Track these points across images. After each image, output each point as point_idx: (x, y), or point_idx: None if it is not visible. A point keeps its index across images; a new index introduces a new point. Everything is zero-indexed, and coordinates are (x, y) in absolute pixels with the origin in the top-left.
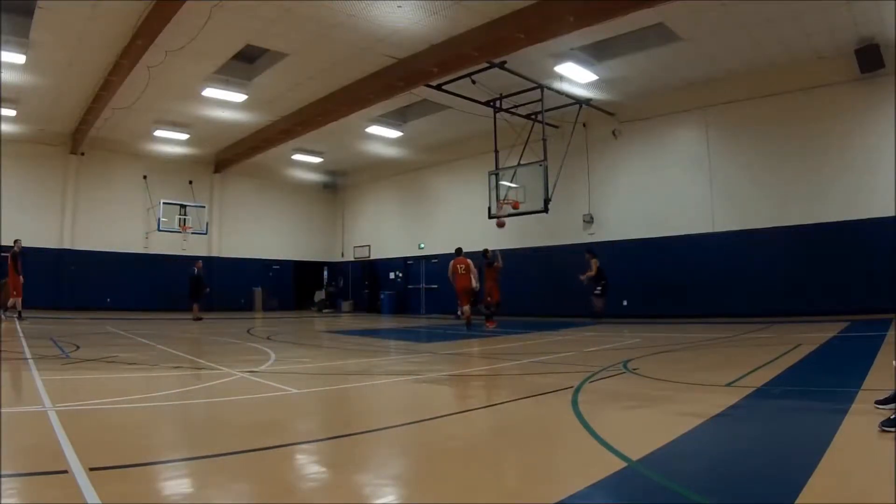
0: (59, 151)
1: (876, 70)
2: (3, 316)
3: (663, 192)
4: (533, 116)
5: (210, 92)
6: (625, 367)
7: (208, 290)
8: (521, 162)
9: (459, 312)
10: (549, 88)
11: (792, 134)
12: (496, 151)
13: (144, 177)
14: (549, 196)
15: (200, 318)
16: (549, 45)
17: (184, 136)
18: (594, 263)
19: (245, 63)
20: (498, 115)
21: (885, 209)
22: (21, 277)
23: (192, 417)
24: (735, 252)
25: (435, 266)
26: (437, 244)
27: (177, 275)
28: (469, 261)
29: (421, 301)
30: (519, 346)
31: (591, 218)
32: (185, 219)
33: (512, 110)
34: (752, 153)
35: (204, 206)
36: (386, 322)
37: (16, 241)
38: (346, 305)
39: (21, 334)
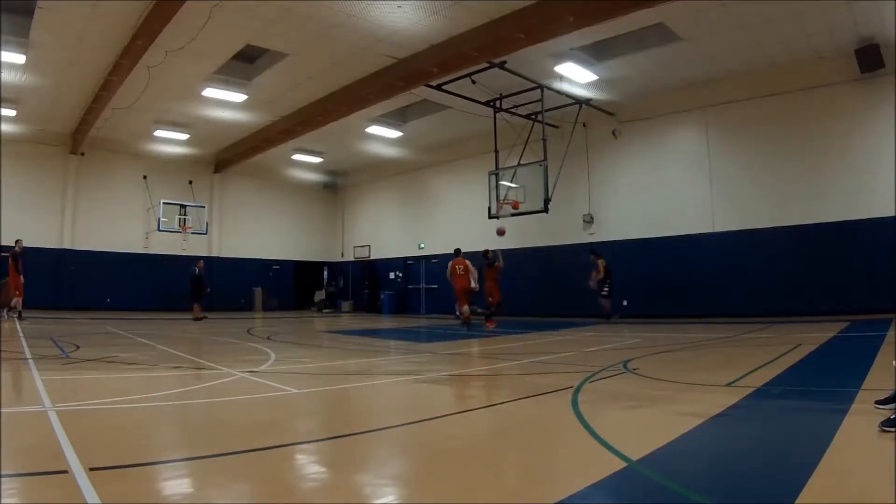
0: (59, 151)
1: (876, 70)
2: (5, 315)
3: (663, 192)
4: (533, 116)
5: (210, 92)
6: (625, 367)
7: (209, 290)
8: (521, 162)
9: (458, 313)
10: (549, 88)
11: (792, 134)
12: (496, 151)
13: (144, 177)
14: (549, 196)
15: (204, 318)
16: (549, 45)
17: (184, 136)
18: (601, 264)
19: (245, 63)
20: (498, 115)
21: (885, 209)
22: (22, 277)
23: (192, 417)
24: (735, 252)
25: (435, 266)
26: (437, 244)
27: (177, 275)
28: (467, 261)
29: (421, 301)
30: (519, 346)
31: (591, 218)
32: (185, 219)
33: (512, 110)
34: (752, 153)
35: (204, 206)
36: (386, 322)
37: (17, 242)
38: (346, 305)
39: (21, 334)
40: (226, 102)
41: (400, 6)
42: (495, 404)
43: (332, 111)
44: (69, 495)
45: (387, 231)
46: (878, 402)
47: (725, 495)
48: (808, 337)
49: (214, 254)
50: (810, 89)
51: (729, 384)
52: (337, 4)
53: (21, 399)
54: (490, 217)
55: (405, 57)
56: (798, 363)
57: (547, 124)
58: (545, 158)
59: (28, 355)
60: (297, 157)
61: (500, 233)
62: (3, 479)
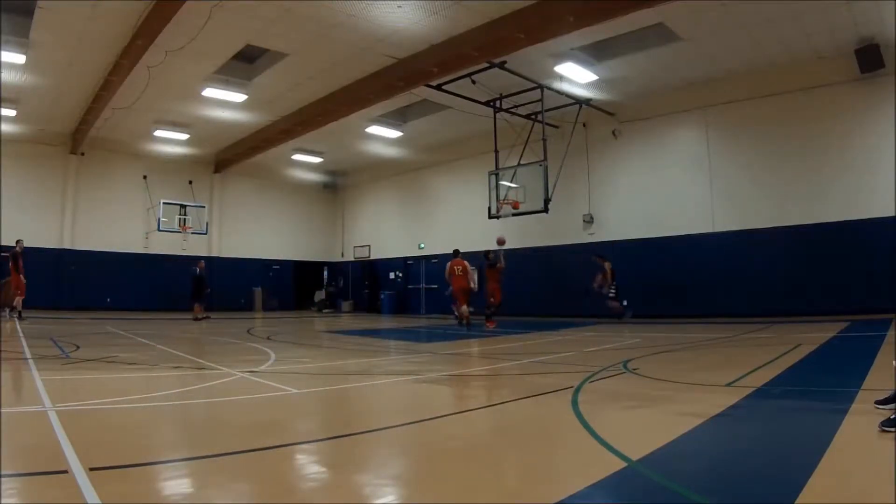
0: (59, 151)
1: (876, 70)
2: (6, 315)
3: (663, 192)
4: (533, 116)
5: (210, 92)
6: (625, 367)
7: (209, 290)
8: (521, 162)
9: (456, 313)
10: (549, 88)
11: (792, 134)
12: (496, 151)
13: (144, 177)
14: (549, 196)
15: (207, 318)
16: (549, 45)
17: (184, 136)
18: (608, 266)
19: (245, 63)
20: (498, 115)
21: (885, 209)
22: (22, 277)
23: (192, 417)
24: (735, 252)
25: (435, 266)
26: (436, 244)
27: (177, 275)
28: (466, 262)
29: (421, 301)
30: (519, 346)
31: (591, 218)
32: (185, 219)
33: (512, 110)
34: (752, 153)
35: (204, 206)
36: (386, 322)
37: (18, 242)
38: (346, 305)
39: (21, 334)
40: (226, 102)
41: (400, 6)
42: (495, 404)
43: (332, 111)
44: (69, 495)
45: (387, 231)
46: (878, 402)
47: (725, 495)
48: (808, 337)
49: (214, 254)
50: (810, 89)
51: (729, 384)
52: (337, 4)
53: (21, 399)
54: (490, 217)
55: (405, 57)
56: (798, 363)
57: (547, 124)
58: (545, 158)
59: (28, 355)
60: (297, 157)
61: (501, 242)
62: (3, 479)
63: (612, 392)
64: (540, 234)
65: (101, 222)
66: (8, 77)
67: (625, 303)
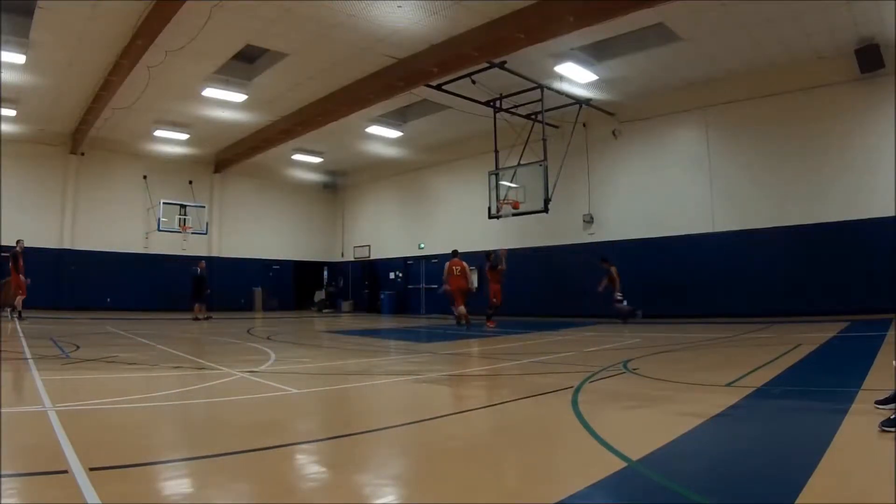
0: (59, 151)
1: (876, 70)
2: (7, 315)
3: (663, 192)
4: (533, 116)
5: (210, 92)
6: (625, 367)
7: (209, 290)
8: (521, 162)
9: (455, 313)
10: (549, 88)
11: (792, 134)
12: (496, 151)
13: (144, 177)
14: (549, 196)
15: (209, 318)
16: (549, 45)
17: (184, 136)
18: (614, 270)
19: (245, 63)
20: (498, 115)
21: (885, 209)
22: (22, 277)
23: (192, 417)
24: (735, 252)
25: (435, 266)
26: (436, 244)
27: (177, 275)
28: (464, 263)
29: (421, 301)
30: (519, 346)
31: (591, 218)
32: (185, 219)
33: (512, 110)
34: (752, 153)
35: (204, 206)
36: (386, 322)
37: (18, 242)
38: (346, 305)
39: (21, 334)
40: (226, 102)
41: (400, 6)
42: (495, 404)
43: (332, 111)
44: (69, 495)
45: (387, 231)
46: (878, 402)
47: (725, 495)
48: (808, 337)
49: (214, 254)
50: (810, 89)
51: (729, 384)
52: (337, 4)
53: (21, 399)
54: (490, 217)
55: (405, 57)
56: (798, 363)
57: (547, 124)
58: (545, 158)
59: (28, 355)
60: (297, 157)
61: (502, 252)
62: (3, 479)
63: (612, 392)
64: (540, 234)
65: (101, 222)
66: (8, 77)
67: (625, 303)
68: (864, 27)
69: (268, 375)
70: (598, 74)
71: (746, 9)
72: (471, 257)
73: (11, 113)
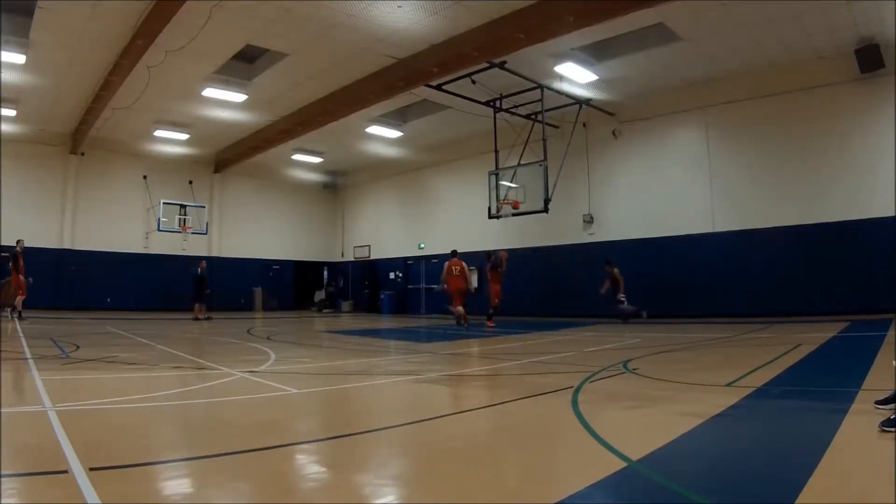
0: (59, 151)
1: (876, 70)
2: (8, 315)
3: (663, 192)
4: (533, 116)
5: (210, 92)
6: (625, 367)
7: (209, 291)
8: (521, 162)
9: (455, 314)
10: (549, 88)
11: (792, 134)
12: (496, 151)
13: (144, 177)
14: (549, 196)
15: (209, 318)
16: (549, 45)
17: (184, 136)
18: (617, 273)
19: (245, 63)
20: (498, 115)
21: (885, 209)
22: (22, 277)
23: (192, 417)
24: (735, 252)
25: (435, 266)
26: (436, 244)
27: (177, 275)
28: (463, 263)
29: (421, 301)
30: (519, 346)
31: (591, 218)
32: (185, 219)
33: (512, 110)
34: (752, 153)
35: (204, 206)
36: (386, 322)
37: (18, 242)
38: (346, 305)
39: (21, 334)
40: (226, 102)
41: (400, 6)
42: (495, 404)
43: (332, 111)
44: (69, 495)
45: (387, 231)
46: (878, 403)
47: (725, 495)
48: (808, 337)
49: (214, 254)
50: (810, 89)
51: (729, 384)
52: (337, 4)
53: (21, 399)
54: (490, 217)
55: (405, 57)
56: (798, 363)
57: (547, 124)
58: (545, 158)
59: (28, 355)
60: (297, 157)
61: (503, 257)
62: (3, 479)
63: (612, 392)
64: (540, 234)
65: (101, 222)
66: (8, 77)
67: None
68: (864, 27)
69: (268, 375)
70: (598, 74)
71: (746, 9)
72: (471, 257)
73: (11, 113)
